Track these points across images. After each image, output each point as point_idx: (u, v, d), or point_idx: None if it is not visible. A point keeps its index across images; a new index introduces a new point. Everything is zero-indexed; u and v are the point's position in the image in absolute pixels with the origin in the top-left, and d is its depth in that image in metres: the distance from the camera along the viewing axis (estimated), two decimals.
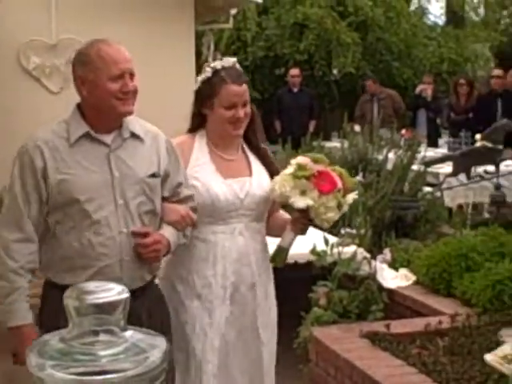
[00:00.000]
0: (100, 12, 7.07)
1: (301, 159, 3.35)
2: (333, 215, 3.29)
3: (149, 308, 3.09)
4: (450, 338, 4.52)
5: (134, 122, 3.09)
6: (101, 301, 1.41)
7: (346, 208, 3.33)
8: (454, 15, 21.88)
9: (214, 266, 3.38)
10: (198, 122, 3.49)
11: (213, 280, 3.38)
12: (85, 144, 2.99)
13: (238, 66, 3.45)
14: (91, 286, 1.47)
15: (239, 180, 3.43)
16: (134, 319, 2.97)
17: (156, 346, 1.32)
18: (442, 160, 9.18)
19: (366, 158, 7.97)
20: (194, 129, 3.51)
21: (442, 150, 11.13)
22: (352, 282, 5.27)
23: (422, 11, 20.31)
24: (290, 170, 3.30)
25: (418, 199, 7.45)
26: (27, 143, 2.99)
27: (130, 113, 3.03)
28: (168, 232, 3.12)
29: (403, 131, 11.19)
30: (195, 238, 3.34)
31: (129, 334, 1.42)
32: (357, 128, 10.49)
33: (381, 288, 5.36)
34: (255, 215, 3.45)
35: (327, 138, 11.38)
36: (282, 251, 3.44)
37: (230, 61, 3.41)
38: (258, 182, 3.46)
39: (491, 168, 8.80)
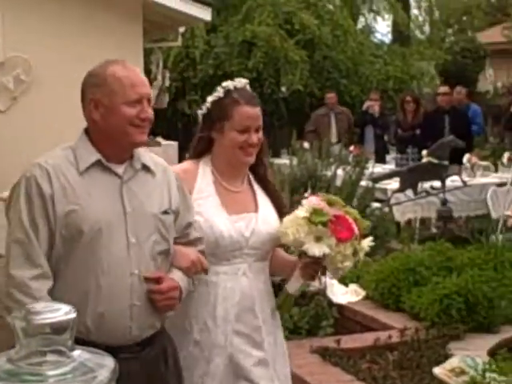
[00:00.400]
0: (47, 30, 7.03)
1: (315, 201, 3.01)
2: (349, 264, 2.98)
3: (164, 356, 2.80)
4: (399, 352, 4.57)
5: (144, 154, 2.81)
6: (48, 321, 1.40)
7: (361, 255, 3.02)
8: (400, 34, 22.21)
9: (214, 308, 3.03)
10: (204, 148, 3.17)
11: (212, 325, 3.03)
12: (95, 173, 2.67)
13: (248, 87, 3.17)
14: (38, 306, 1.45)
15: (245, 216, 3.10)
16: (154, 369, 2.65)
17: (104, 366, 1.32)
18: (389, 176, 9.29)
19: (315, 174, 8.01)
20: (198, 155, 3.18)
21: (390, 166, 11.26)
22: (302, 298, 5.29)
23: (369, 30, 20.58)
24: (302, 212, 2.97)
25: (367, 215, 7.51)
26: (31, 170, 2.63)
27: (144, 143, 2.76)
28: (178, 277, 2.78)
29: (351, 147, 11.30)
30: (194, 278, 2.94)
31: (76, 353, 1.41)
32: (306, 145, 10.57)
33: (331, 303, 5.39)
34: (260, 254, 3.11)
35: (276, 155, 11.43)
36: (289, 298, 3.13)
37: (242, 82, 3.13)
38: (264, 218, 3.12)
39: (437, 184, 8.94)
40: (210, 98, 3.13)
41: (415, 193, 8.58)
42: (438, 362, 4.17)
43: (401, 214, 8.60)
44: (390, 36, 24.45)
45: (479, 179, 9.83)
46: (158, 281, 2.68)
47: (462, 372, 4.13)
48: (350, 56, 16.04)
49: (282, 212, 3.15)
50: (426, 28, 33.84)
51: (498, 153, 12.72)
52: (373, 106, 13.05)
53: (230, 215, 3.06)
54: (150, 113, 2.69)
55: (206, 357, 3.01)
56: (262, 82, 15.32)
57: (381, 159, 12.28)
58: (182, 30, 12.05)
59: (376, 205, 8.00)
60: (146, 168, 2.77)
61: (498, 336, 5.03)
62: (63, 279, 2.62)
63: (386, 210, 8.09)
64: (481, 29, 24.45)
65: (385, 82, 16.45)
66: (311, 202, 3.01)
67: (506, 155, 10.51)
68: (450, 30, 31.79)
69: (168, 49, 14.05)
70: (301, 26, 15.57)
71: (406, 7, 24.19)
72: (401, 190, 8.61)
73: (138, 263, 2.66)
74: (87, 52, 6.80)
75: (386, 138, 13.09)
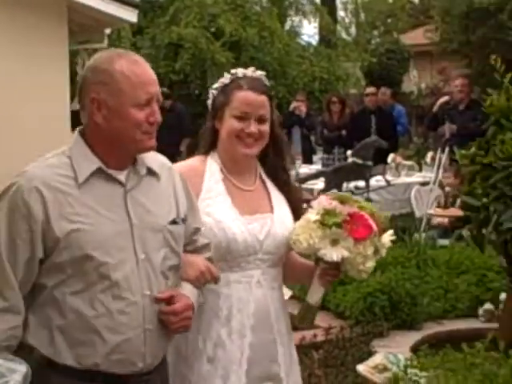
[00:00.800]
0: None
1: (325, 201, 2.75)
2: (371, 264, 2.75)
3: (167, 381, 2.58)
4: (324, 351, 4.62)
5: (147, 155, 2.46)
6: None
7: (383, 253, 2.80)
8: (327, 35, 22.42)
9: (228, 322, 2.73)
10: (210, 141, 2.87)
11: (227, 340, 2.73)
12: (96, 183, 2.32)
13: (264, 79, 2.86)
14: None
15: (258, 217, 2.79)
16: None
17: (16, 371, 1.31)
18: (315, 176, 9.39)
19: None
20: (205, 149, 2.88)
21: (317, 167, 11.37)
22: None
23: (295, 31, 20.73)
24: (313, 215, 2.71)
25: None
26: (18, 181, 2.26)
27: (153, 148, 2.44)
28: (189, 291, 2.49)
29: None
30: (204, 288, 2.65)
31: None
32: None
33: None
34: (274, 260, 2.82)
35: None
36: (311, 310, 2.83)
37: (257, 73, 2.85)
38: (280, 219, 2.82)
39: (362, 183, 9.07)
40: (215, 85, 2.86)
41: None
42: (362, 360, 4.23)
43: None
44: (317, 38, 24.68)
45: (403, 178, 10.01)
46: (169, 300, 2.39)
47: (385, 369, 4.20)
48: (277, 57, 16.13)
49: (298, 216, 2.83)
50: (353, 30, 34.29)
51: (421, 152, 12.99)
52: (299, 106, 13.15)
53: (243, 216, 2.77)
54: (159, 115, 2.38)
55: (222, 375, 2.72)
56: (188, 83, 15.31)
57: (308, 160, 12.40)
58: (108, 31, 11.96)
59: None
60: (151, 172, 2.45)
61: (421, 333, 5.13)
62: (59, 306, 2.28)
63: None
64: (405, 31, 24.88)
65: (311, 83, 16.59)
66: (321, 202, 2.75)
67: (430, 155, 10.72)
68: (375, 32, 32.28)
69: (94, 50, 13.91)
70: (227, 27, 15.59)
71: (333, 9, 24.46)
72: (326, 190, 8.71)
73: (149, 282, 2.35)
74: (11, 57, 6.70)
75: (312, 138, 13.21)
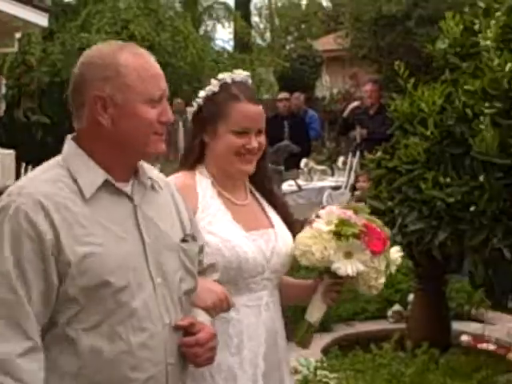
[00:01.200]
0: None
1: (338, 212, 2.50)
2: (383, 280, 2.52)
3: None
4: None
5: (145, 165, 2.15)
6: None
7: (393, 269, 2.57)
8: (242, 40, 22.54)
9: (239, 351, 2.44)
10: (196, 155, 2.58)
11: (239, 370, 2.44)
12: (104, 198, 1.99)
13: (250, 81, 2.60)
14: None
15: (262, 233, 2.53)
16: None
17: None
18: None
19: None
20: (190, 164, 2.58)
21: None
22: None
23: (209, 36, 20.76)
24: (323, 225, 2.47)
25: None
26: (15, 200, 1.90)
27: (164, 152, 2.12)
28: (204, 319, 2.19)
29: None
30: None
31: None
32: None
33: None
34: (278, 279, 2.56)
35: None
36: (310, 329, 2.57)
37: (243, 74, 2.56)
38: (281, 234, 2.56)
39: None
40: (201, 93, 2.56)
41: None
42: None
43: None
44: (232, 43, 24.77)
45: (316, 183, 10.12)
46: (189, 329, 2.08)
47: (296, 371, 4.25)
48: (191, 62, 16.12)
49: (292, 230, 2.60)
50: (268, 35, 34.54)
51: (333, 157, 13.14)
52: None
53: (248, 232, 2.49)
54: (172, 114, 2.07)
55: None
56: None
57: None
58: (18, 35, 11.75)
59: None
60: (153, 184, 2.14)
61: (331, 335, 5.21)
62: (72, 344, 1.93)
63: None
64: (318, 36, 25.19)
65: None
66: (333, 212, 2.49)
67: (341, 159, 10.87)
68: (290, 38, 32.58)
69: (4, 54, 13.65)
70: (139, 32, 15.50)
71: (247, 14, 24.58)
72: None
73: (167, 310, 2.04)
74: None
75: None
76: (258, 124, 2.51)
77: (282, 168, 8.93)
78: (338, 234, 2.42)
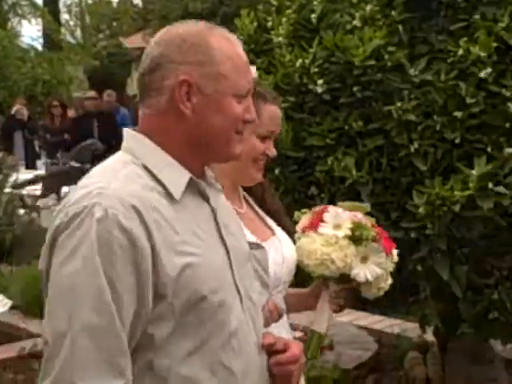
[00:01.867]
0: None
1: (346, 214, 2.31)
2: (390, 281, 2.35)
3: None
4: None
5: None
6: None
7: (391, 269, 2.36)
8: (51, 37, 22.07)
9: None
10: None
11: None
12: (189, 200, 1.67)
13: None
14: None
15: (270, 242, 2.31)
16: None
17: None
18: (33, 181, 9.23)
19: None
20: None
21: (41, 172, 11.15)
22: None
23: (16, 33, 20.17)
24: (329, 230, 2.27)
25: (14, 223, 7.41)
26: (100, 204, 1.52)
27: (239, 158, 1.83)
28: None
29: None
30: None
31: None
32: None
33: None
34: (286, 289, 2.37)
35: None
36: (320, 339, 2.33)
37: (254, 70, 2.30)
38: (284, 240, 2.36)
39: None
40: None
41: (59, 197, 8.60)
42: None
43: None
44: (41, 40, 24.17)
45: None
46: (272, 347, 1.76)
47: None
48: None
49: (291, 235, 2.38)
50: (78, 33, 33.96)
51: None
52: (20, 109, 12.85)
53: (261, 242, 2.24)
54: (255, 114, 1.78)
55: None
56: None
57: (32, 165, 12.13)
58: None
59: (23, 211, 7.92)
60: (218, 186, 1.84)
61: None
62: (161, 375, 1.56)
63: (35, 215, 8.03)
64: (130, 34, 25.08)
65: (33, 86, 16.28)
66: (339, 215, 2.29)
67: None
68: (101, 35, 32.20)
69: None
70: None
71: (56, 12, 24.03)
72: (44, 195, 8.58)
73: (255, 327, 1.73)
74: None
75: (36, 143, 12.95)
76: (279, 129, 2.32)
77: (89, 166, 8.85)
78: (356, 239, 2.25)
